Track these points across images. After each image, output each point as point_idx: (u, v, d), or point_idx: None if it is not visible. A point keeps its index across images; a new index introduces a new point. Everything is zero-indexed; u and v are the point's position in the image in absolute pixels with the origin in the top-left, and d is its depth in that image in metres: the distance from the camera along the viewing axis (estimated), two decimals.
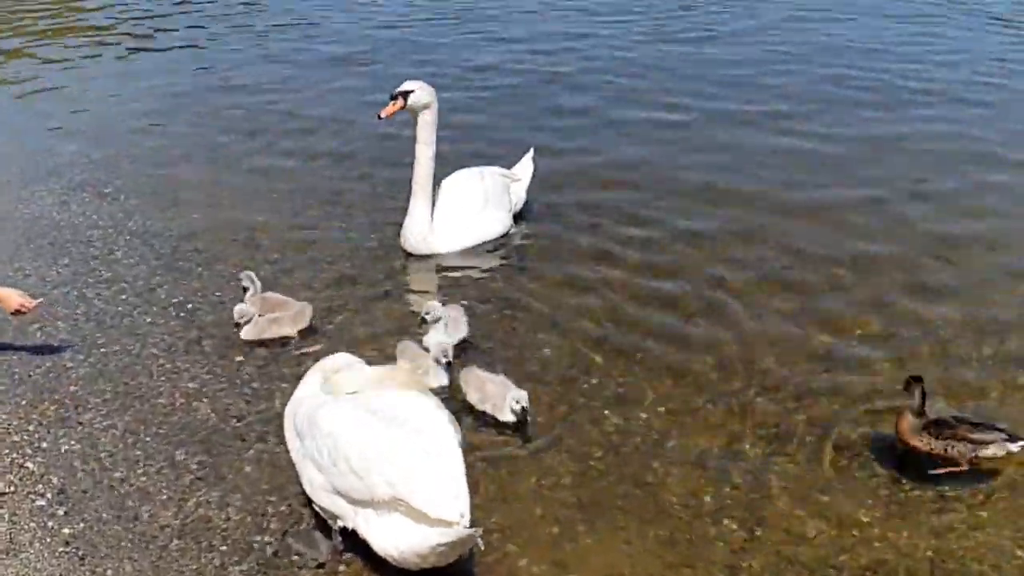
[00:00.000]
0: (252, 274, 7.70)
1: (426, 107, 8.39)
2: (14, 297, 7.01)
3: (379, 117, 8.41)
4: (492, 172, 9.02)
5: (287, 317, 7.38)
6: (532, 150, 9.58)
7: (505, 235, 8.95)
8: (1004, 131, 11.34)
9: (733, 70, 13.45)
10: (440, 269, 8.52)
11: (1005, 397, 6.76)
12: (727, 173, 10.24)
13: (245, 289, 7.64)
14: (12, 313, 7.06)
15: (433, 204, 8.62)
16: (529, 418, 6.34)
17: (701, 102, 12.22)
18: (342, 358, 5.82)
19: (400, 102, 8.33)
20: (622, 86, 12.87)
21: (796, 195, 9.80)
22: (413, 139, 8.54)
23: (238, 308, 7.34)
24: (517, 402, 6.31)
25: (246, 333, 7.33)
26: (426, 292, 8.19)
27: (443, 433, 5.09)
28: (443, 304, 7.27)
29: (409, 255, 8.61)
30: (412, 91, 8.34)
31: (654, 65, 13.66)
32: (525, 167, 9.45)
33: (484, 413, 6.47)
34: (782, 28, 15.58)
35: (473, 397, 6.54)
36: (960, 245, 8.80)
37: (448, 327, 7.15)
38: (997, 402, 6.70)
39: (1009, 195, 9.82)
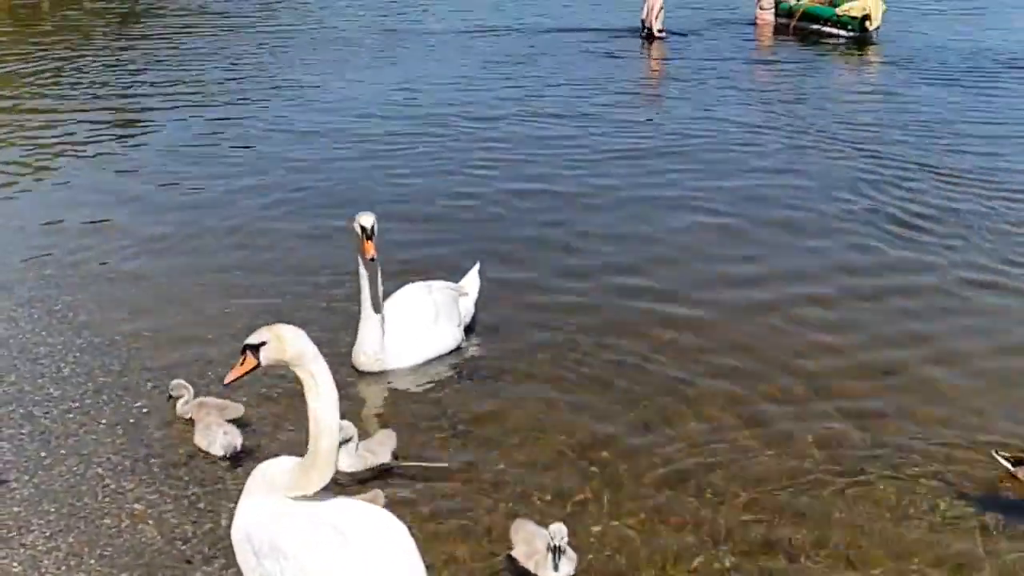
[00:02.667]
0: (181, 381, 7.78)
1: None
2: None
3: (372, 260, 8.09)
4: (440, 286, 9.01)
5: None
6: (478, 264, 9.61)
7: (456, 349, 8.94)
8: None
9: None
10: (391, 386, 8.47)
11: None
12: (689, 287, 10.34)
13: (173, 398, 7.75)
14: None
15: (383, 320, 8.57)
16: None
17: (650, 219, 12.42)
18: (285, 461, 5.62)
19: (374, 237, 8.06)
20: (570, 205, 12.93)
21: (752, 295, 9.97)
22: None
23: (223, 442, 7.27)
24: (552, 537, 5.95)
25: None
26: (376, 409, 8.16)
27: (413, 561, 4.94)
28: (382, 427, 7.34)
29: (360, 372, 8.55)
30: (375, 223, 8.08)
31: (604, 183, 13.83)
32: (472, 280, 9.46)
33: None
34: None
35: (520, 551, 6.16)
36: None
37: (361, 449, 7.10)
38: None
39: None
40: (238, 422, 7.53)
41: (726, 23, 25.98)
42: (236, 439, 7.29)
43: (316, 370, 4.83)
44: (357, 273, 8.37)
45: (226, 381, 5.10)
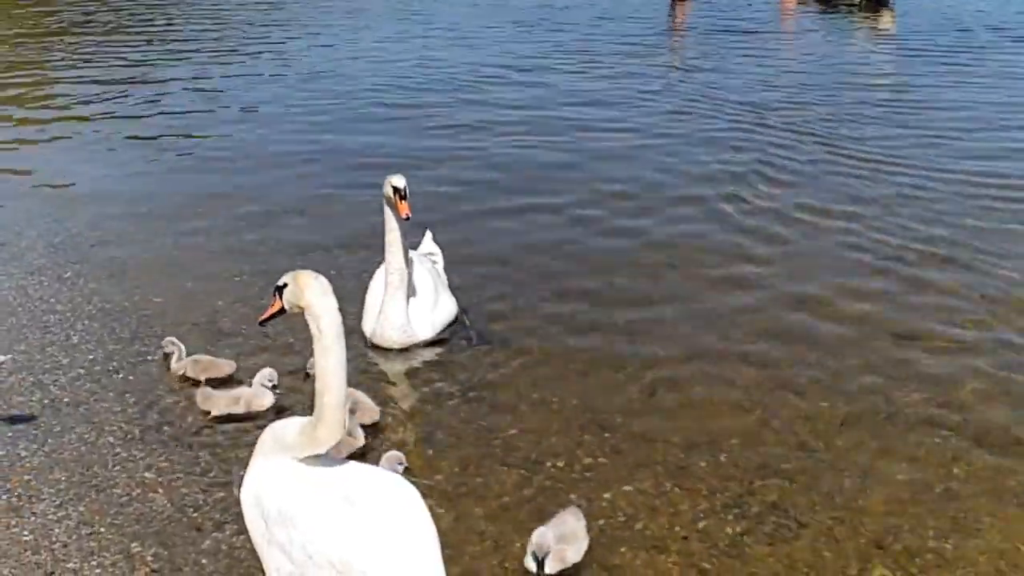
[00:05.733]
0: (174, 339, 7.89)
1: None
2: None
3: (407, 218, 7.93)
4: (416, 254, 8.80)
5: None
6: (428, 231, 9.42)
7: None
8: None
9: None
10: (400, 357, 8.34)
11: None
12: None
13: (168, 355, 7.85)
14: None
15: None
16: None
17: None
18: (297, 422, 5.54)
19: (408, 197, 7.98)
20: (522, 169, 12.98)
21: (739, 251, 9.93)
22: (382, 230, 8.25)
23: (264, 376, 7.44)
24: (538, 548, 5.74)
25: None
26: (388, 379, 8.09)
27: (425, 526, 4.87)
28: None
29: (376, 347, 8.39)
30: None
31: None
32: (432, 247, 9.27)
33: None
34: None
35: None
36: None
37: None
38: None
39: None
40: (231, 378, 7.73)
41: None
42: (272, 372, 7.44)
43: (324, 325, 4.77)
44: (383, 242, 8.22)
45: (258, 320, 5.22)
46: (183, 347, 7.86)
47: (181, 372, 7.76)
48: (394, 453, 6.43)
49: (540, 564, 5.71)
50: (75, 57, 19.25)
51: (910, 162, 12.94)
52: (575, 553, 5.87)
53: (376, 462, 6.31)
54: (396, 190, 7.97)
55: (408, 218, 8.00)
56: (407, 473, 6.31)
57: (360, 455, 6.65)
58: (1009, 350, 8.33)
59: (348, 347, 8.11)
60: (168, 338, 7.95)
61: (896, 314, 8.97)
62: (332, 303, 4.80)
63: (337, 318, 4.77)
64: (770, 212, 11.30)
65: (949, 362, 8.13)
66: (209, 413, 7.36)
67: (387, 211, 8.16)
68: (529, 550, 5.79)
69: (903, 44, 20.76)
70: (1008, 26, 21.71)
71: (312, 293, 4.79)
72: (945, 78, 17.66)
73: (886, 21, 23.22)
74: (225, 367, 7.84)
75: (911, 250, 10.27)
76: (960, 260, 10.00)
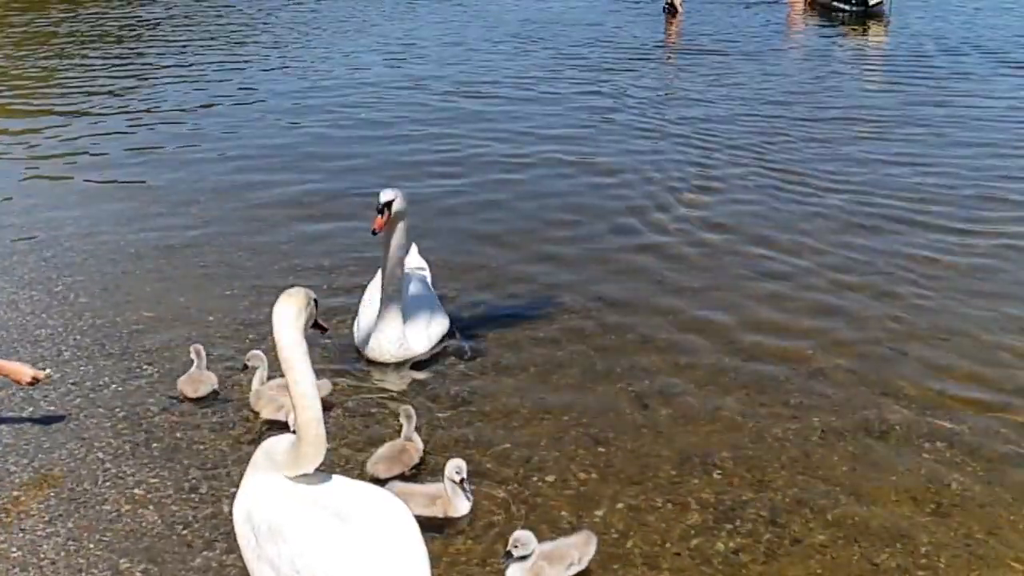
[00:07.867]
0: (200, 347, 7.83)
1: (404, 213, 8.05)
2: (26, 370, 7.24)
3: (374, 232, 7.93)
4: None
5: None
6: (414, 244, 9.23)
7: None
8: None
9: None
10: (392, 371, 8.30)
11: None
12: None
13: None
14: (28, 384, 7.29)
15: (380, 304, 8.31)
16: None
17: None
18: (287, 439, 5.51)
19: (387, 213, 7.88)
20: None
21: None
22: (377, 245, 8.27)
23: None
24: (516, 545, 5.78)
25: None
26: (381, 393, 8.04)
27: (415, 543, 4.83)
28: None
29: (370, 362, 8.33)
30: (393, 200, 7.89)
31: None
32: (418, 260, 9.15)
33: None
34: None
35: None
36: None
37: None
38: None
39: None
40: (215, 394, 7.76)
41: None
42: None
43: (275, 333, 4.67)
44: (382, 258, 8.20)
45: None
46: (204, 358, 7.81)
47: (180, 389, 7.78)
48: (457, 461, 6.37)
49: (507, 555, 5.72)
50: (62, 69, 19.23)
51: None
52: (556, 573, 5.83)
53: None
54: (377, 204, 7.93)
55: (375, 232, 7.93)
56: (468, 479, 6.35)
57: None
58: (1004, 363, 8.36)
59: (343, 362, 8.21)
60: (195, 345, 7.87)
61: (888, 330, 8.96)
62: (285, 311, 4.69)
63: (288, 327, 4.65)
64: (760, 226, 11.31)
65: (942, 378, 8.13)
66: (259, 414, 7.49)
67: (396, 229, 8.11)
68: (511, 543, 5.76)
69: (886, 65, 20.66)
70: (1004, 51, 21.49)
71: (273, 323, 4.68)
72: (918, 100, 17.32)
73: (877, 37, 23.25)
74: (203, 385, 7.77)
75: (907, 264, 10.30)
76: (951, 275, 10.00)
